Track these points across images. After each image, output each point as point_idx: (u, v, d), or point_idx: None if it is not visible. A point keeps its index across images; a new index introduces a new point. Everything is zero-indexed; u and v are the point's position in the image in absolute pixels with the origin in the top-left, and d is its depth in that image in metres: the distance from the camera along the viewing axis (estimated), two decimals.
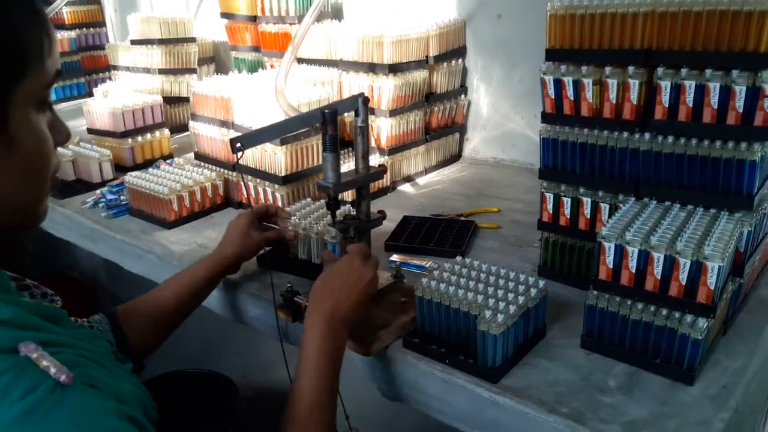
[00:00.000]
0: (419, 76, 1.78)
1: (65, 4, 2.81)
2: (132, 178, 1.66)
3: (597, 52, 1.04)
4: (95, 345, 0.78)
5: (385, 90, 1.72)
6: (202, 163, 1.77)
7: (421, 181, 1.89)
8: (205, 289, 1.20)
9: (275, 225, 1.32)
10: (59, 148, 1.95)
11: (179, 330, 1.17)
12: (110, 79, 2.68)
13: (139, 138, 2.03)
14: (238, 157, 1.00)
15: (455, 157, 2.04)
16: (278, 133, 1.14)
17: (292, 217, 1.32)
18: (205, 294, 1.21)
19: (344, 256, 1.06)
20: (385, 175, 1.24)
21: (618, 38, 1.02)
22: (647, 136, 1.02)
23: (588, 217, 1.14)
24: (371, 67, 1.74)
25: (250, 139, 1.02)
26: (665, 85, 0.97)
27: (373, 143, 1.79)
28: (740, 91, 0.91)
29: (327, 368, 0.92)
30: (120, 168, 1.98)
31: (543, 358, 1.00)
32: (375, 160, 1.75)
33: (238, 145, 0.99)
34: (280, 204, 1.56)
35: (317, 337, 0.93)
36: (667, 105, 0.98)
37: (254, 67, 2.26)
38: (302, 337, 0.95)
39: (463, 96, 1.98)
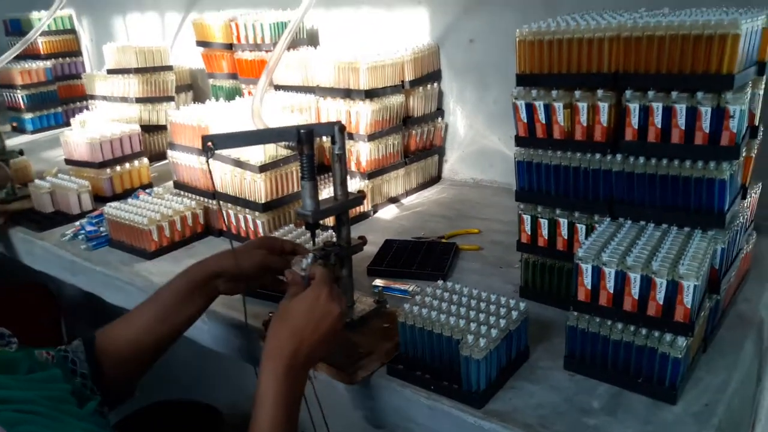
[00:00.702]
0: (396, 100, 1.79)
1: (40, 35, 2.80)
2: (111, 209, 1.65)
3: (566, 77, 1.07)
4: (49, 391, 0.75)
5: (362, 115, 1.73)
6: (182, 192, 1.77)
7: (401, 203, 1.90)
8: (187, 303, 1.07)
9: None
10: (37, 180, 1.94)
11: (168, 358, 1.11)
12: (87, 108, 2.66)
13: (118, 168, 2.01)
14: (209, 156, 0.96)
15: (435, 179, 2.05)
16: (252, 139, 1.14)
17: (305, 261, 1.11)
18: (187, 309, 1.08)
19: (310, 287, 0.97)
20: (365, 200, 1.24)
21: (586, 62, 1.04)
22: (619, 157, 1.04)
23: (565, 237, 1.15)
24: (348, 93, 1.75)
25: (223, 139, 1.01)
26: (634, 108, 0.99)
27: (353, 167, 1.80)
28: (706, 112, 0.93)
29: (284, 418, 0.86)
30: (99, 198, 1.96)
31: (527, 380, 1.00)
32: (355, 184, 1.76)
33: (210, 144, 0.97)
34: (261, 231, 1.56)
35: (274, 384, 0.87)
36: (636, 127, 1.00)
37: (232, 94, 2.27)
38: (259, 379, 0.88)
39: (440, 119, 2.00)
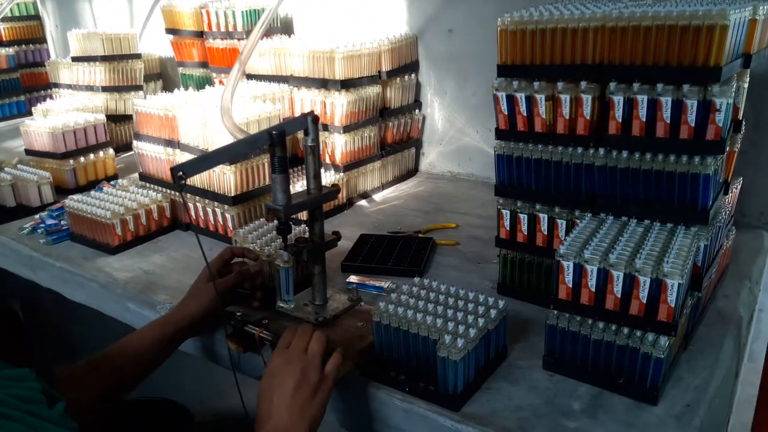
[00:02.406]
0: (372, 91, 1.75)
1: (1, 20, 2.68)
2: (72, 201, 1.57)
3: (549, 68, 1.03)
4: (18, 389, 0.70)
5: (337, 106, 1.68)
6: (148, 184, 1.70)
7: (378, 197, 1.85)
8: (158, 353, 1.08)
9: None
10: None
11: None
12: (51, 97, 2.56)
13: (82, 159, 1.94)
14: (181, 186, 0.91)
15: (412, 172, 2.01)
16: (223, 158, 1.08)
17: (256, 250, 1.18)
18: (159, 357, 1.09)
19: (284, 358, 0.93)
20: (340, 194, 1.19)
21: (569, 53, 1.01)
22: (602, 151, 1.01)
23: (545, 233, 1.12)
24: (323, 83, 1.70)
25: (193, 166, 0.95)
26: (618, 100, 0.96)
27: (327, 160, 1.75)
28: (692, 105, 0.91)
29: None
30: (62, 191, 1.89)
31: (505, 381, 0.97)
32: (330, 177, 1.71)
33: (180, 173, 0.91)
34: (230, 225, 1.50)
35: None
36: (620, 120, 0.97)
37: (202, 83, 2.20)
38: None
39: (417, 111, 1.96)
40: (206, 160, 1.04)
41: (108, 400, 1.04)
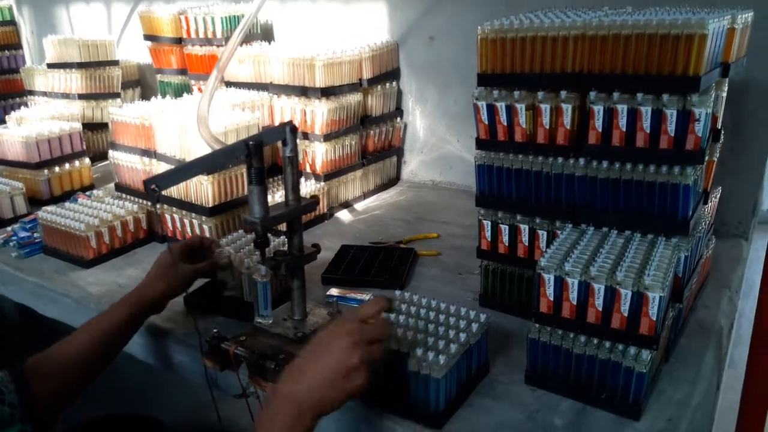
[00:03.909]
0: (353, 99, 1.73)
1: None
2: (46, 214, 1.53)
3: (529, 77, 1.02)
4: None
5: (318, 114, 1.66)
6: (124, 195, 1.66)
7: (359, 206, 1.83)
8: (125, 334, 1.09)
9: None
10: None
11: (109, 371, 1.09)
12: (26, 105, 2.51)
13: (57, 168, 1.89)
14: (155, 199, 0.89)
15: (393, 181, 1.99)
16: (199, 170, 1.05)
17: (227, 248, 1.24)
18: (125, 339, 1.10)
19: (336, 352, 0.81)
20: (319, 204, 1.17)
21: (549, 62, 1.00)
22: (582, 161, 1.00)
23: (526, 244, 1.11)
24: (303, 91, 1.68)
25: (167, 179, 0.93)
26: (598, 109, 0.95)
27: (308, 169, 1.73)
28: (671, 114, 0.90)
29: None
30: (36, 201, 1.84)
31: (487, 397, 0.95)
32: (310, 186, 1.68)
33: (154, 186, 0.88)
34: (208, 237, 1.47)
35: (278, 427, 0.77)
36: (600, 129, 0.96)
37: (181, 90, 2.16)
38: (261, 417, 0.80)
39: (399, 119, 1.94)
40: (181, 171, 1.01)
41: (75, 388, 1.04)
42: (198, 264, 1.19)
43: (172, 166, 1.48)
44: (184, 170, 1.01)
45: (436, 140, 1.93)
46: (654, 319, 0.84)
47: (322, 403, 0.79)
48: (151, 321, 1.17)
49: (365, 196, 1.87)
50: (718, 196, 1.23)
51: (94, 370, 1.06)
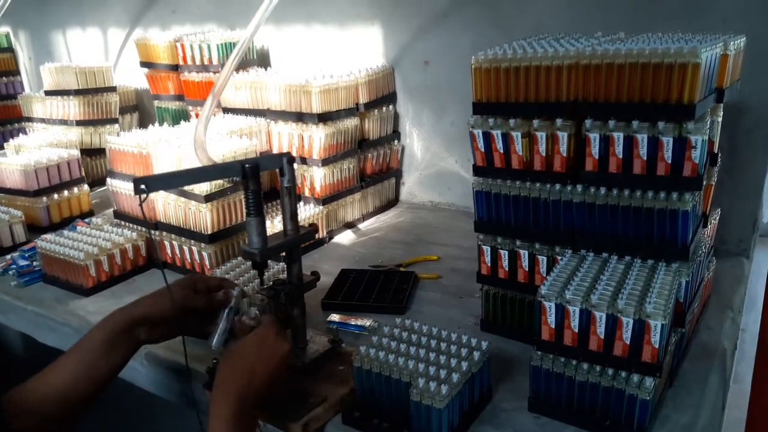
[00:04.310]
0: (350, 123, 1.74)
1: None
2: (45, 242, 1.53)
3: (524, 105, 1.03)
4: None
5: (315, 139, 1.67)
6: (123, 222, 1.66)
7: (358, 228, 1.83)
8: (110, 357, 0.97)
9: None
10: None
11: (107, 399, 1.02)
12: (24, 132, 2.52)
13: (55, 196, 1.89)
14: (142, 200, 0.87)
15: (392, 202, 2.00)
16: (191, 179, 1.04)
17: (253, 310, 1.07)
18: (111, 362, 0.98)
19: (256, 328, 0.98)
20: (319, 229, 1.17)
21: (544, 91, 1.00)
22: (579, 187, 1.00)
23: (526, 269, 1.11)
24: (300, 117, 1.69)
25: (157, 181, 0.93)
26: (594, 137, 0.96)
27: (307, 193, 1.73)
28: (667, 142, 0.91)
29: None
30: (35, 229, 1.84)
31: (490, 425, 0.95)
32: (310, 210, 1.68)
33: (143, 186, 0.87)
34: (207, 264, 1.47)
35: (224, 429, 0.85)
36: (597, 157, 0.97)
37: (178, 116, 2.17)
38: (208, 423, 0.86)
39: (396, 141, 1.95)
40: (172, 177, 1.01)
41: (59, 423, 0.95)
42: (194, 297, 1.06)
43: (171, 194, 1.49)
44: (175, 176, 1.01)
45: (434, 161, 1.94)
46: (656, 346, 0.83)
47: (257, 389, 0.90)
48: (152, 351, 1.16)
49: (364, 218, 1.87)
50: (718, 217, 1.24)
51: (79, 402, 0.96)
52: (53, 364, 0.98)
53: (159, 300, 1.03)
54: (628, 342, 0.85)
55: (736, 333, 1.19)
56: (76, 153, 1.96)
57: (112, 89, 2.34)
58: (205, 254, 1.47)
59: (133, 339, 1.01)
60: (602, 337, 0.87)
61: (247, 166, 1.00)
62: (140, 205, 0.90)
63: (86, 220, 1.79)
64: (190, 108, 2.07)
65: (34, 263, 1.59)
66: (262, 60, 2.14)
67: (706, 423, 0.93)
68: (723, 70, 1.00)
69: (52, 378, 0.96)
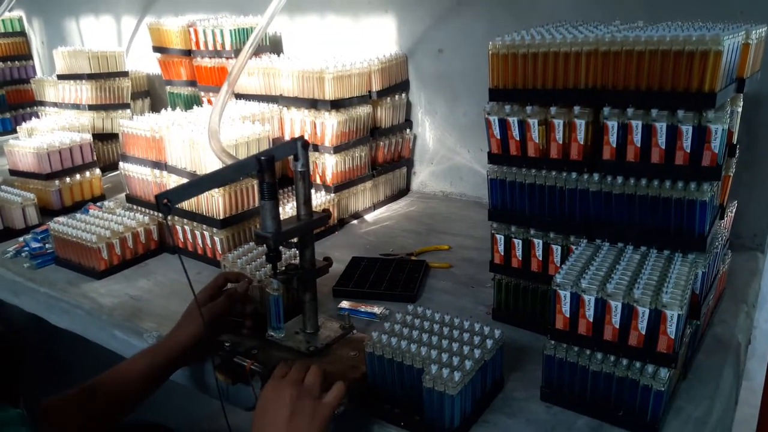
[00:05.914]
0: (363, 111, 1.73)
1: None
2: (57, 225, 1.54)
3: (541, 92, 1.02)
4: None
5: (328, 126, 1.66)
6: (135, 206, 1.66)
7: (369, 217, 1.83)
8: (146, 384, 1.04)
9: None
10: None
11: None
12: (36, 115, 2.53)
13: (68, 179, 1.90)
14: (166, 215, 0.88)
15: (403, 192, 1.99)
16: (210, 185, 1.05)
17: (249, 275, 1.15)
18: (147, 389, 1.05)
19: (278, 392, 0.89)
20: (331, 216, 1.16)
21: (562, 77, 0.99)
22: (596, 176, 1.00)
23: (540, 258, 1.10)
24: (313, 103, 1.68)
25: (179, 194, 0.93)
26: (612, 125, 0.95)
27: (318, 180, 1.73)
28: (686, 131, 0.89)
29: None
30: (47, 212, 1.85)
31: (502, 413, 0.95)
32: (321, 198, 1.68)
33: (166, 201, 0.88)
34: (219, 249, 1.47)
35: None
36: (614, 145, 0.96)
37: (190, 102, 2.17)
38: None
39: (408, 130, 1.94)
40: (192, 187, 1.01)
41: (96, 431, 1.00)
42: (215, 302, 1.11)
43: (183, 178, 1.49)
44: (196, 185, 1.01)
45: (446, 151, 1.93)
46: (672, 337, 0.83)
47: None
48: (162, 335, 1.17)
49: (375, 207, 1.87)
50: (734, 210, 1.23)
51: (111, 419, 1.03)
52: (99, 377, 1.03)
53: (194, 322, 1.06)
54: (643, 332, 0.85)
55: (750, 327, 1.19)
56: (89, 137, 1.97)
57: (125, 74, 2.34)
58: (217, 239, 1.47)
59: (174, 364, 1.08)
60: (617, 326, 0.87)
61: (262, 159, 0.99)
62: (165, 218, 0.90)
63: (98, 203, 1.80)
64: (202, 94, 2.07)
65: (47, 245, 1.60)
66: (275, 47, 2.13)
67: (719, 416, 0.92)
68: (744, 60, 0.99)
69: (92, 394, 1.01)
